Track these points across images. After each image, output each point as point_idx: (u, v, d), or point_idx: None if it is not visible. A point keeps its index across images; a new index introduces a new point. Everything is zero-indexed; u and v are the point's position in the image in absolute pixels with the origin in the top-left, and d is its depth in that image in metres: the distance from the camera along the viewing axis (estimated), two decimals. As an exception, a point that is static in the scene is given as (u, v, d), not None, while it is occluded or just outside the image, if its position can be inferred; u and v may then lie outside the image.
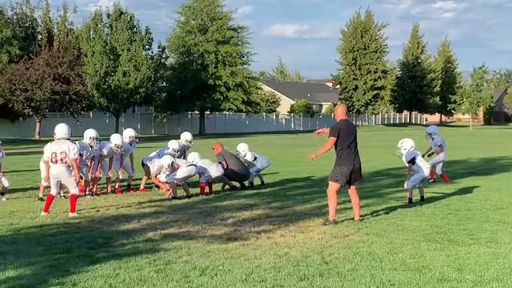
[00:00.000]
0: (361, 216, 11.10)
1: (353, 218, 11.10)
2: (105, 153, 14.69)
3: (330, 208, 10.77)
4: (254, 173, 16.54)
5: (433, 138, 17.84)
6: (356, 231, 10.03)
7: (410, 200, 13.18)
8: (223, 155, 15.86)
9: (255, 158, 16.78)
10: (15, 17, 53.81)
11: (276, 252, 8.50)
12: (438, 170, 17.43)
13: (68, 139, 11.67)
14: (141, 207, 12.48)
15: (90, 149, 14.09)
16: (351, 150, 10.89)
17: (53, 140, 11.81)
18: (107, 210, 12.08)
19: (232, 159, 15.81)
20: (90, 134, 14.25)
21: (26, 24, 54.42)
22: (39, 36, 54.69)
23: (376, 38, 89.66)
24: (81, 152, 12.93)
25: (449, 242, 9.25)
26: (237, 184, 15.79)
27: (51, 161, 11.59)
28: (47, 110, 47.04)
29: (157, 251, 8.50)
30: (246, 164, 16.17)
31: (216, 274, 7.32)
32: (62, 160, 11.52)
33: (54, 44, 50.94)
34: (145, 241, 9.21)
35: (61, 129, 11.83)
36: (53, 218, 11.18)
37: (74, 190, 11.62)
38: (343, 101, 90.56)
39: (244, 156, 16.57)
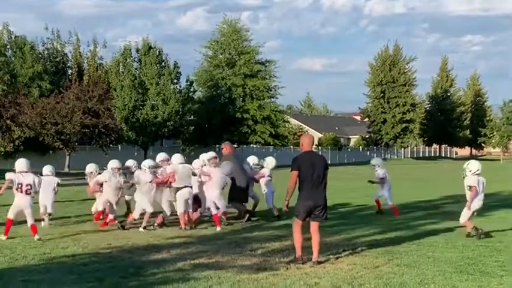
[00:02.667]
0: (320, 262, 9.86)
1: (386, 249, 11.04)
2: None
3: (295, 245, 10.07)
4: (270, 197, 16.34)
5: (376, 171, 17.47)
6: (386, 262, 9.97)
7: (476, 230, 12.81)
8: (231, 165, 15.39)
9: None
10: (46, 52, 54.62)
11: (306, 282, 8.48)
12: (389, 201, 17.14)
13: (30, 172, 12.62)
14: (170, 238, 12.52)
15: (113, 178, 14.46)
16: (314, 184, 10.01)
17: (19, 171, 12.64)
18: (136, 241, 12.13)
19: (240, 175, 15.50)
20: (112, 164, 14.91)
21: (57, 59, 55.21)
22: (70, 71, 55.40)
23: (405, 71, 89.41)
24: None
25: (481, 274, 9.16)
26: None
27: (18, 191, 12.42)
28: (76, 143, 47.45)
29: (188, 280, 8.52)
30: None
31: (246, 303, 7.32)
32: (26, 192, 12.41)
33: (84, 78, 51.59)
34: (176, 271, 9.25)
35: (21, 164, 12.80)
36: (84, 248, 11.27)
37: (31, 221, 12.40)
38: (372, 134, 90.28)
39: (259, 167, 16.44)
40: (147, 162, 14.80)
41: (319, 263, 9.74)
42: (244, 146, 66.58)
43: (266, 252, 10.79)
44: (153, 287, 8.02)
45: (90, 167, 16.05)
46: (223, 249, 11.09)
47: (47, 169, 15.19)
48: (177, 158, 14.79)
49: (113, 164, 14.85)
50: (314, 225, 10.05)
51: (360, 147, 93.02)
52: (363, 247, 11.37)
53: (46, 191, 14.44)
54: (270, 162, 16.72)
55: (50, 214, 14.64)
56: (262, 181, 16.34)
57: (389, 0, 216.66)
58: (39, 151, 47.86)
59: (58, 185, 14.89)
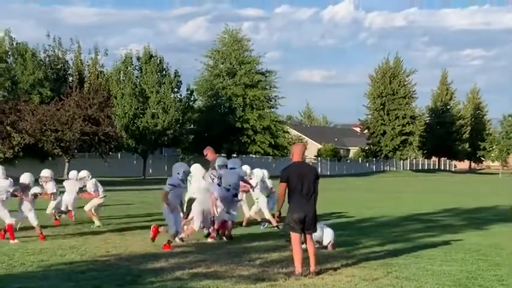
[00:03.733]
0: (318, 272, 9.74)
1: (384, 261, 11.02)
2: None
3: (294, 259, 9.77)
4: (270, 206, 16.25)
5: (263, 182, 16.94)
6: (385, 274, 9.95)
7: None
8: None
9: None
10: (47, 59, 54.75)
11: (305, 293, 8.46)
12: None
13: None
14: (169, 247, 12.47)
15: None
16: (303, 195, 9.72)
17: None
18: (134, 249, 12.10)
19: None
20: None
21: (58, 66, 55.35)
22: (70, 78, 55.50)
23: (405, 83, 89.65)
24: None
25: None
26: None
27: None
28: (76, 151, 47.49)
29: (186, 289, 8.50)
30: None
31: (244, 313, 7.29)
32: None
33: (85, 85, 51.69)
34: (174, 279, 9.23)
35: None
36: (82, 256, 11.25)
37: (8, 221, 13.20)
38: (371, 146, 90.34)
39: (261, 180, 16.32)
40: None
41: (317, 273, 9.62)
42: (244, 155, 66.59)
43: (265, 262, 10.76)
44: (151, 296, 8.00)
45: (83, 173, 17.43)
46: (221, 258, 11.06)
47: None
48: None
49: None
50: (308, 237, 9.89)
51: (359, 158, 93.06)
52: (362, 259, 11.35)
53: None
54: (257, 174, 16.63)
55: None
56: (256, 192, 16.29)
57: (389, 13, 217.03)
58: (38, 158, 47.83)
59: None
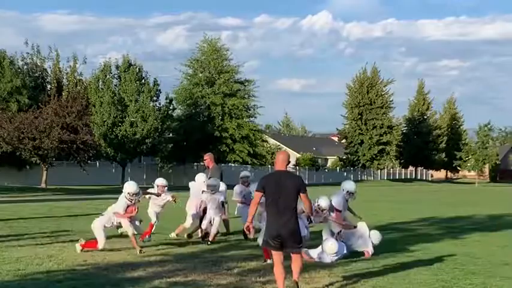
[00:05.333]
0: (297, 283, 8.97)
1: (362, 270, 11.10)
2: None
3: (276, 279, 8.93)
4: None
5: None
6: (362, 283, 10.04)
7: None
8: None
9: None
10: (25, 67, 54.40)
11: (282, 302, 8.51)
12: None
13: None
14: (146, 256, 12.46)
15: None
16: (279, 209, 8.64)
17: None
18: (113, 258, 12.08)
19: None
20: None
21: (36, 74, 55.01)
22: (49, 86, 55.17)
23: (382, 93, 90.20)
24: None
25: (455, 296, 9.26)
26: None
27: None
28: (54, 159, 47.25)
29: (164, 298, 8.52)
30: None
31: (222, 322, 7.34)
32: None
33: (63, 93, 51.41)
34: (152, 289, 9.25)
35: None
36: (59, 265, 11.19)
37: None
38: (349, 155, 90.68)
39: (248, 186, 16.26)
40: None
41: (297, 284, 8.98)
42: (223, 164, 66.57)
43: (242, 271, 10.80)
44: (129, 305, 8.01)
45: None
46: (199, 267, 11.09)
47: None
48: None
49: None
50: (294, 257, 8.91)
51: (337, 168, 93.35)
52: (339, 267, 11.43)
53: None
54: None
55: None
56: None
57: (367, 24, 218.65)
58: (16, 166, 47.58)
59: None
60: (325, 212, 12.79)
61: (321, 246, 12.36)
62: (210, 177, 15.61)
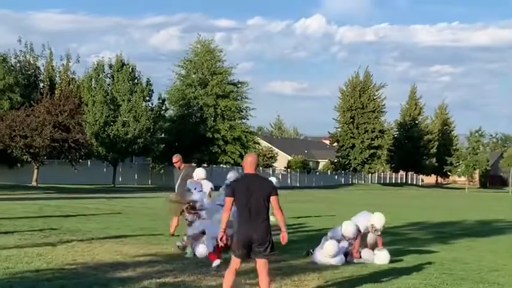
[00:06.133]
0: None
1: (350, 274, 11.14)
2: None
3: (223, 283, 8.60)
4: None
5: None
6: (350, 287, 10.07)
7: None
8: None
9: None
10: (18, 64, 54.26)
11: (271, 304, 8.52)
12: None
13: None
14: (136, 256, 12.47)
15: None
16: (250, 214, 8.26)
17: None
18: (102, 257, 12.07)
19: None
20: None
21: (29, 72, 54.86)
22: (41, 84, 55.09)
23: (374, 98, 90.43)
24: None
25: (443, 301, 9.30)
26: None
27: None
28: (45, 157, 47.14)
29: (153, 299, 8.52)
30: None
31: (211, 324, 7.35)
32: None
33: (56, 92, 51.29)
34: (141, 289, 9.25)
35: None
36: (49, 263, 11.17)
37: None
38: (340, 159, 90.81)
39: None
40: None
41: None
42: (214, 165, 66.62)
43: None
44: (118, 305, 8.01)
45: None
46: (189, 268, 11.10)
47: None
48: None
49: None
50: (259, 263, 8.41)
51: (328, 171, 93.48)
52: (329, 271, 11.46)
53: None
54: None
55: None
56: None
57: (360, 28, 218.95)
58: (7, 164, 47.41)
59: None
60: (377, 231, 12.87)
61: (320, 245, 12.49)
62: (183, 178, 15.59)
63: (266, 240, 8.29)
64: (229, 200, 8.43)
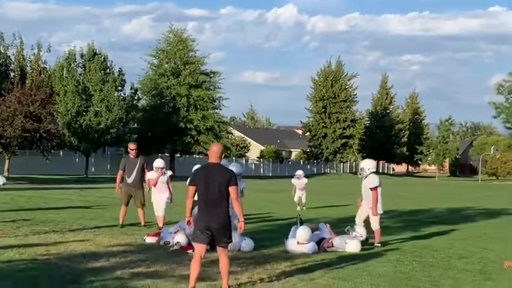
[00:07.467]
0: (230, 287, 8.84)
1: (322, 262, 11.27)
2: None
3: (190, 272, 8.77)
4: None
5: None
6: (322, 275, 10.19)
7: None
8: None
9: None
10: (-12, 54, 53.64)
11: (243, 293, 8.63)
12: None
13: None
14: (109, 246, 12.49)
15: None
16: (209, 202, 8.61)
17: None
18: (75, 248, 12.07)
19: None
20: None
21: (-1, 62, 54.27)
22: (12, 74, 54.39)
23: (346, 87, 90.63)
24: None
25: (412, 288, 9.47)
26: None
27: None
28: (17, 148, 46.66)
29: (126, 288, 8.58)
30: None
31: (184, 312, 7.43)
32: None
33: (27, 82, 50.67)
34: (114, 279, 9.27)
35: None
36: (21, 254, 11.13)
37: None
38: (313, 148, 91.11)
39: None
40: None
41: None
42: (187, 156, 66.53)
43: (205, 262, 10.83)
44: (91, 295, 8.05)
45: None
46: (162, 258, 11.15)
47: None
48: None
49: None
50: (219, 250, 8.81)
51: (301, 160, 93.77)
52: (300, 259, 11.59)
53: None
54: None
55: None
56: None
57: (331, 18, 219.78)
58: (-23, 154, 46.83)
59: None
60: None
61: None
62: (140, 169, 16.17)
63: (225, 228, 8.66)
64: (191, 189, 8.77)
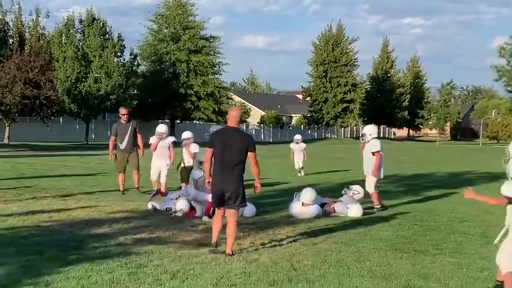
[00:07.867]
0: (232, 254, 8.76)
1: (324, 227, 11.30)
2: None
3: (212, 227, 9.21)
4: None
5: None
6: (324, 239, 10.23)
7: None
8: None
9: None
10: (-14, 20, 53.25)
11: (246, 258, 8.66)
12: None
13: None
14: (112, 212, 12.51)
15: None
16: (224, 165, 8.74)
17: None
18: (78, 214, 12.10)
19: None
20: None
21: (-3, 28, 53.89)
22: (11, 40, 54.05)
23: (347, 51, 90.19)
24: None
25: (415, 252, 9.49)
26: None
27: None
28: (16, 115, 46.57)
29: (129, 254, 8.59)
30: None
31: (187, 278, 7.45)
32: None
33: (26, 48, 50.34)
34: (117, 245, 9.30)
35: None
36: (24, 221, 11.16)
37: None
38: (313, 113, 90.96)
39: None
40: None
41: (231, 255, 8.76)
42: (187, 121, 66.47)
43: (207, 228, 10.90)
44: (94, 261, 8.06)
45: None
46: (164, 224, 11.18)
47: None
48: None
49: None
50: (228, 213, 8.92)
51: (302, 125, 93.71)
52: (302, 224, 11.61)
53: None
54: None
55: None
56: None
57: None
58: (-23, 121, 46.78)
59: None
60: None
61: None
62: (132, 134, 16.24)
63: (237, 192, 8.78)
64: (209, 151, 8.92)
